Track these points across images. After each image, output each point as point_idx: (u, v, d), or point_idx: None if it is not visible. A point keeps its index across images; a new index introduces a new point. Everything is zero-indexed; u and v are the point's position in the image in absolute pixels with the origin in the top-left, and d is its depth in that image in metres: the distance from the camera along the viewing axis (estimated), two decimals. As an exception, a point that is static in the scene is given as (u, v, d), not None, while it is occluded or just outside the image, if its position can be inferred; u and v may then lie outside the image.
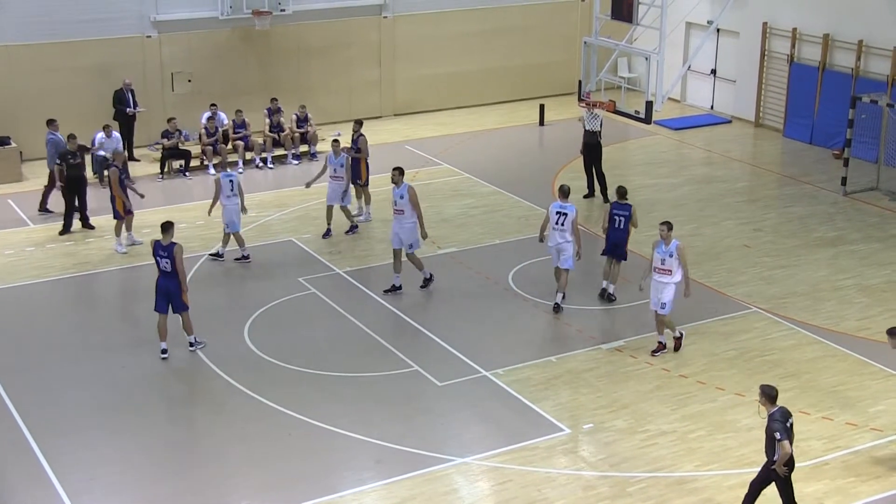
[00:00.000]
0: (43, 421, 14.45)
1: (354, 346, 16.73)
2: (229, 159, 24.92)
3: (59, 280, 18.96)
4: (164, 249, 15.77)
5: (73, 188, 20.98)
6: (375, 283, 18.76)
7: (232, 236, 19.56)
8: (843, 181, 23.48)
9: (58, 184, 21.21)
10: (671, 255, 15.83)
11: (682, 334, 16.49)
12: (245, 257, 19.55)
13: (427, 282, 18.41)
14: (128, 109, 25.08)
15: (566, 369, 15.84)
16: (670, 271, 15.87)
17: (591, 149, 22.61)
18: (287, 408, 14.75)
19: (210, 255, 19.75)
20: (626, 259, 17.95)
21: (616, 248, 17.85)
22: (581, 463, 13.63)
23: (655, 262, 15.99)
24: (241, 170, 24.42)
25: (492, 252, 20.29)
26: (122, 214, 20.05)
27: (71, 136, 21.20)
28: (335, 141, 20.92)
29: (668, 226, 15.98)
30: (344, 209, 20.76)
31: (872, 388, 15.38)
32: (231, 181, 19.33)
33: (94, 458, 13.65)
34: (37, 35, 24.94)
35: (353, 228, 20.92)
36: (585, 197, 22.78)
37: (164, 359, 16.11)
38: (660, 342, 16.33)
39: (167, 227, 16.01)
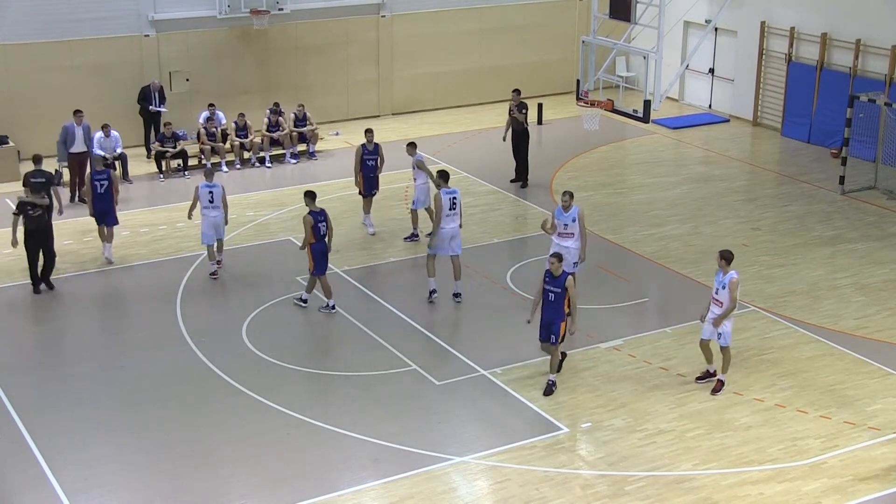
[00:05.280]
0: (41, 420, 14.43)
1: (352, 345, 16.72)
2: (227, 159, 25.01)
3: (57, 280, 18.91)
4: (321, 215, 17.38)
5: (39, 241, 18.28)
6: (374, 283, 18.77)
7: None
8: (841, 180, 23.48)
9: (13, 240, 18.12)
10: (723, 287, 14.99)
11: (715, 373, 15.47)
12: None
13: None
14: (150, 107, 25.28)
15: (564, 368, 15.80)
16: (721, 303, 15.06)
17: (521, 136, 23.52)
18: (285, 407, 14.74)
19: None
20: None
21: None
22: (579, 462, 13.63)
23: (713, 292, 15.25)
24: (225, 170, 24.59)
25: (490, 251, 20.29)
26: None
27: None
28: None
29: (724, 257, 15.16)
30: (428, 210, 20.37)
31: (870, 387, 15.38)
32: (211, 192, 18.67)
33: (91, 457, 13.64)
34: (34, 34, 24.92)
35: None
36: (513, 181, 23.67)
37: (329, 312, 17.59)
38: (708, 370, 15.55)
39: (310, 194, 17.55)
